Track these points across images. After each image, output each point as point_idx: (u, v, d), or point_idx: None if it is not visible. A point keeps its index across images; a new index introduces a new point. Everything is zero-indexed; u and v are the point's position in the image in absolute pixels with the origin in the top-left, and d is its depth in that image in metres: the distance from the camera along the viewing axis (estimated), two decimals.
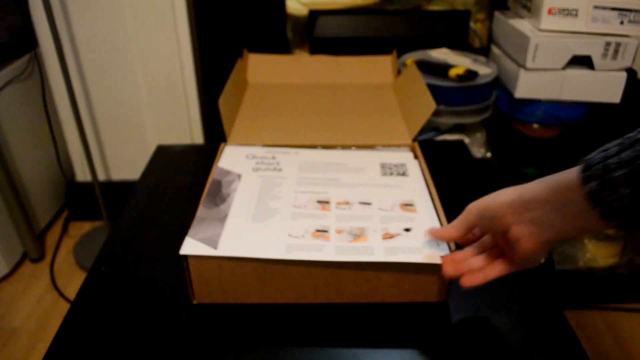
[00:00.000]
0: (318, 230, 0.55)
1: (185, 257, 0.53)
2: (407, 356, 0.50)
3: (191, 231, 0.55)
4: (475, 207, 0.46)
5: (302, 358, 0.50)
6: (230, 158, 0.70)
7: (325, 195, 0.62)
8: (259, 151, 0.71)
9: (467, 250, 0.50)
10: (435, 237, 0.52)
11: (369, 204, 0.60)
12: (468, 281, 0.48)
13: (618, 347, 1.24)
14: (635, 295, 1.35)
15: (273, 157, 0.70)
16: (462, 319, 0.54)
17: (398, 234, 0.55)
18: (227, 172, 0.67)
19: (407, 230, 0.56)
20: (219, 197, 0.61)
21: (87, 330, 0.53)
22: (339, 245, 0.53)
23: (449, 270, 0.49)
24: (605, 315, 1.33)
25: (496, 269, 0.47)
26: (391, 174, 0.67)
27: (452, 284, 0.55)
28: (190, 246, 0.53)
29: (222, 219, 0.57)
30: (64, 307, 1.35)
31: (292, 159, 0.70)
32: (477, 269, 0.48)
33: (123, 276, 0.60)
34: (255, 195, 0.62)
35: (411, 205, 0.60)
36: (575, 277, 1.31)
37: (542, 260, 0.43)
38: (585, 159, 0.37)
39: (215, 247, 0.52)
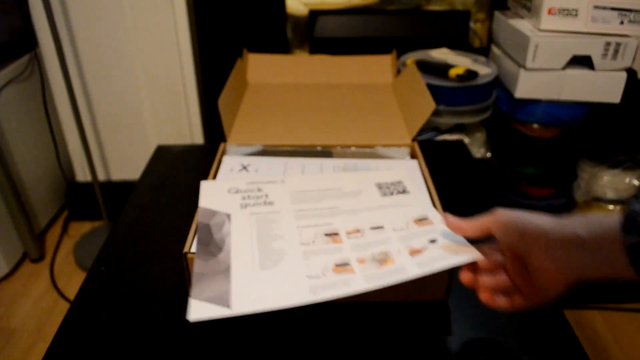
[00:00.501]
0: (338, 265, 0.49)
1: (185, 257, 0.53)
2: (407, 356, 0.50)
3: (193, 292, 0.47)
4: (503, 217, 0.42)
5: (302, 358, 0.50)
6: (211, 195, 0.60)
7: (331, 227, 0.55)
8: (241, 184, 0.63)
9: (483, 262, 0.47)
10: (451, 227, 0.47)
11: (381, 227, 0.54)
12: (485, 299, 0.45)
13: (618, 347, 1.24)
14: (635, 295, 1.35)
15: (259, 190, 0.62)
16: (462, 318, 0.54)
17: (425, 248, 0.50)
18: (213, 213, 0.58)
19: (433, 241, 0.50)
20: (213, 245, 0.53)
21: (87, 330, 0.53)
22: (367, 274, 0.47)
23: (465, 278, 0.46)
24: (605, 315, 1.33)
25: (506, 302, 0.45)
26: (391, 193, 0.62)
27: (452, 283, 0.55)
28: (199, 310, 0.45)
29: (225, 271, 0.50)
30: (64, 307, 1.35)
31: (279, 190, 0.62)
32: (488, 286, 0.45)
33: (123, 276, 0.60)
34: (253, 238, 0.54)
35: (425, 219, 0.55)
36: None
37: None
38: (627, 209, 0.35)
39: (228, 306, 0.45)
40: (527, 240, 0.39)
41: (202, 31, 1.43)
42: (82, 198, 1.63)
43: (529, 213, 0.40)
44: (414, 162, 0.72)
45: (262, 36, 1.41)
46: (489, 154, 1.25)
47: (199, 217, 0.57)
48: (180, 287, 0.57)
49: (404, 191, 0.61)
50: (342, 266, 0.49)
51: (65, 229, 1.64)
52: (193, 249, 0.54)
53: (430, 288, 0.55)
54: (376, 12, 1.37)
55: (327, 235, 0.54)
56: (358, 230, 0.54)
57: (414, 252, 0.49)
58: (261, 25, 1.40)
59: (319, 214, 0.57)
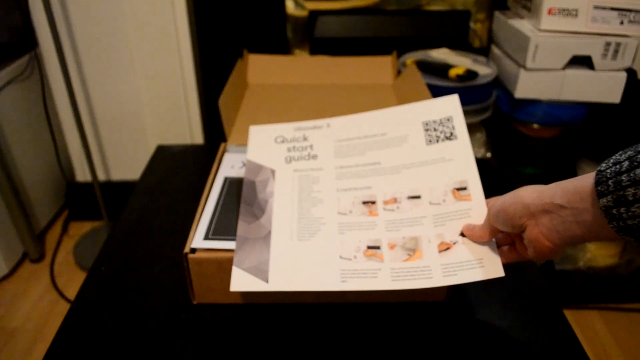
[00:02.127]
0: (370, 248, 0.51)
1: (186, 256, 0.53)
2: (407, 356, 0.50)
3: (236, 258, 0.51)
4: (495, 210, 0.46)
5: (302, 358, 0.50)
6: (258, 144, 0.62)
7: (369, 192, 0.56)
8: (288, 132, 0.64)
9: None
10: (470, 237, 0.50)
11: (418, 197, 0.55)
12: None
13: (618, 347, 1.24)
14: (635, 295, 1.35)
15: (304, 139, 0.63)
16: (462, 319, 0.54)
17: (454, 242, 0.50)
18: (259, 168, 0.60)
19: (463, 235, 0.51)
20: (257, 206, 0.56)
21: (87, 330, 0.53)
22: (394, 267, 0.49)
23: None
24: (605, 315, 1.33)
25: (505, 256, 0.49)
26: (437, 139, 0.59)
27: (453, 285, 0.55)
28: (241, 281, 0.49)
29: (266, 237, 0.53)
30: (64, 307, 1.35)
31: (324, 138, 0.62)
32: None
33: (123, 276, 0.60)
34: (294, 201, 0.57)
35: (464, 189, 0.54)
36: (575, 277, 1.31)
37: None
38: (599, 170, 0.37)
39: (266, 280, 0.49)
40: (518, 220, 0.43)
41: (202, 31, 1.43)
42: (82, 198, 1.63)
43: (513, 193, 0.45)
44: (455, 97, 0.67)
45: (262, 36, 1.41)
46: (489, 154, 1.25)
47: (245, 173, 0.60)
48: (180, 287, 0.57)
49: (451, 135, 0.59)
50: (373, 249, 0.51)
51: (65, 229, 1.64)
52: (194, 245, 0.54)
53: (431, 289, 0.55)
54: (376, 12, 1.37)
55: (364, 203, 0.55)
56: (395, 200, 0.55)
57: (443, 248, 0.50)
58: (261, 26, 1.40)
59: (360, 174, 0.58)
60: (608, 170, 0.36)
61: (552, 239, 0.41)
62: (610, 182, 0.35)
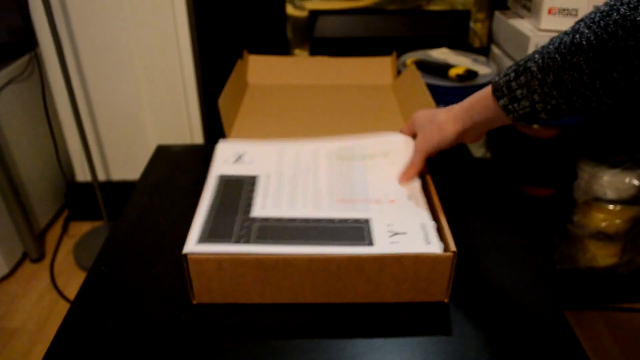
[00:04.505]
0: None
1: (185, 257, 0.53)
2: (407, 356, 0.50)
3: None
4: (414, 117, 0.67)
5: (302, 358, 0.50)
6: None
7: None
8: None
9: None
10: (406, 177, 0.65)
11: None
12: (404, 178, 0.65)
13: (618, 347, 1.24)
14: (635, 295, 1.35)
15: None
16: (462, 319, 0.54)
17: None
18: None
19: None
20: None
21: (87, 330, 0.53)
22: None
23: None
24: (605, 315, 1.33)
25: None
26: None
27: (453, 284, 0.55)
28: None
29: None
30: (64, 307, 1.35)
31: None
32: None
33: (123, 276, 0.60)
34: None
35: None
36: (575, 277, 1.31)
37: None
38: (493, 81, 0.54)
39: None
40: (427, 125, 0.63)
41: (202, 32, 1.43)
42: (82, 198, 1.63)
43: (427, 111, 0.65)
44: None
45: (262, 36, 1.41)
46: (489, 154, 1.25)
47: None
48: (180, 287, 0.57)
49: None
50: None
51: (65, 229, 1.64)
52: (193, 249, 0.54)
53: (430, 289, 0.55)
54: (376, 12, 1.37)
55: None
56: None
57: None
58: (261, 26, 1.40)
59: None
60: (500, 81, 0.53)
61: (459, 131, 0.60)
62: (504, 88, 0.52)
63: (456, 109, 0.59)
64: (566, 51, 0.45)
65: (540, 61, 0.48)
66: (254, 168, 0.67)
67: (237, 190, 0.63)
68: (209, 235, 0.55)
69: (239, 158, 0.70)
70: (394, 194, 0.62)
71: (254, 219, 0.57)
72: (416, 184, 0.64)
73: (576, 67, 0.44)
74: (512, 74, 0.51)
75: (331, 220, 0.57)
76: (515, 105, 0.51)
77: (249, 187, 0.63)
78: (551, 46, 0.47)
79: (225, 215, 0.58)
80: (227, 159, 0.70)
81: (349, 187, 0.64)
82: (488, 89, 0.55)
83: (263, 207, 0.60)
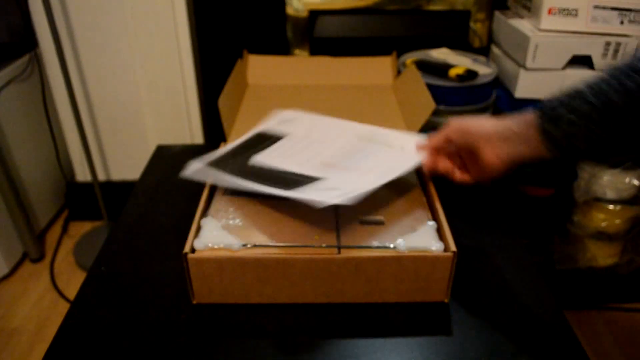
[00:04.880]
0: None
1: (185, 257, 0.53)
2: (407, 356, 0.50)
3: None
4: (457, 125, 0.58)
5: (302, 358, 0.50)
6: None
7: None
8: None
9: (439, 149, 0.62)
10: (421, 147, 0.63)
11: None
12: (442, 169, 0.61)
13: (618, 347, 1.24)
14: (635, 295, 1.35)
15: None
16: (462, 318, 0.54)
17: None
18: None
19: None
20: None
21: (87, 330, 0.53)
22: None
23: (428, 162, 0.61)
24: (605, 315, 1.33)
25: (460, 176, 0.60)
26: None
27: (453, 284, 0.55)
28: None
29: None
30: (64, 307, 1.35)
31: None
32: (444, 169, 0.61)
33: (123, 276, 0.60)
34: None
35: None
36: (575, 277, 1.31)
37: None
38: (539, 106, 0.50)
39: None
40: (474, 137, 0.55)
41: (202, 32, 1.43)
42: (82, 198, 1.63)
43: (475, 119, 0.57)
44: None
45: (262, 36, 1.41)
46: None
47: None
48: (180, 287, 0.57)
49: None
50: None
51: (65, 229, 1.64)
52: (195, 246, 0.54)
53: (430, 289, 0.55)
54: (376, 12, 1.37)
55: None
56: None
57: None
58: (261, 26, 1.40)
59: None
60: (548, 103, 0.50)
61: (503, 159, 0.54)
62: (549, 110, 0.49)
63: (502, 123, 0.55)
64: (622, 75, 0.44)
65: (596, 87, 0.46)
66: (288, 129, 0.73)
67: (262, 142, 0.69)
68: (207, 162, 0.64)
69: (284, 121, 0.75)
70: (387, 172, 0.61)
71: (252, 162, 0.64)
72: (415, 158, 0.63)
73: (631, 93, 0.43)
74: (563, 98, 0.49)
75: (295, 174, 0.60)
76: (556, 129, 0.48)
77: (272, 141, 0.69)
78: (608, 71, 0.47)
79: (235, 155, 0.66)
80: (275, 120, 0.76)
81: (346, 158, 0.64)
82: (534, 111, 0.52)
83: (267, 156, 0.65)
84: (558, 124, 0.48)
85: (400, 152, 0.65)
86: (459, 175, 0.60)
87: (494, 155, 0.54)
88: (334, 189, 0.55)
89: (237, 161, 0.65)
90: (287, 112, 0.78)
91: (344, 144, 0.68)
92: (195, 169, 0.63)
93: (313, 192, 0.55)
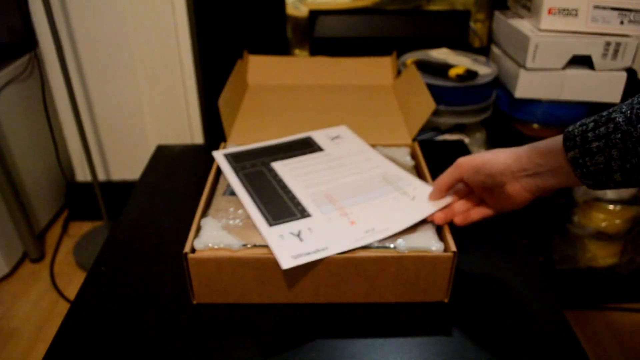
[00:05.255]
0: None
1: (185, 256, 0.53)
2: (407, 356, 0.50)
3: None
4: (468, 164, 0.54)
5: (302, 358, 0.50)
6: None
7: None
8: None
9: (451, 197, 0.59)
10: (433, 194, 0.59)
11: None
12: (460, 221, 0.57)
13: (618, 347, 1.24)
14: (635, 295, 1.35)
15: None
16: (462, 319, 0.54)
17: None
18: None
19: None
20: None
21: (87, 330, 0.53)
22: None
23: (440, 217, 0.57)
24: (605, 315, 1.33)
25: (480, 213, 0.56)
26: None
27: (453, 284, 0.55)
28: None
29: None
30: (64, 307, 1.35)
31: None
32: (461, 212, 0.57)
33: (123, 276, 0.60)
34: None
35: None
36: (575, 277, 1.31)
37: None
38: (566, 130, 0.46)
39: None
40: (499, 177, 0.51)
41: (202, 32, 1.43)
42: (82, 198, 1.63)
43: (489, 154, 0.53)
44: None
45: (262, 36, 1.41)
46: None
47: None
48: (180, 287, 0.57)
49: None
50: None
51: (65, 229, 1.64)
52: (195, 246, 0.54)
53: (430, 289, 0.55)
54: (376, 12, 1.37)
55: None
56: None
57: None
58: (261, 26, 1.40)
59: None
60: (575, 130, 0.45)
61: (533, 192, 0.50)
62: (577, 138, 0.44)
63: (524, 154, 0.50)
64: None
65: (629, 112, 0.41)
66: (328, 145, 0.76)
67: (295, 149, 0.74)
68: (231, 153, 0.72)
69: (333, 137, 0.79)
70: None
71: (268, 166, 0.69)
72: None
73: None
74: (591, 124, 0.44)
75: (290, 201, 0.62)
76: (587, 159, 0.43)
77: (303, 152, 0.74)
78: None
79: (262, 153, 0.73)
80: (325, 132, 0.80)
81: (350, 196, 0.63)
82: (558, 139, 0.47)
83: (285, 166, 0.70)
84: (589, 154, 0.43)
85: (409, 202, 0.61)
86: (476, 214, 0.56)
87: (522, 190, 0.51)
88: (304, 242, 0.55)
89: (257, 161, 0.71)
90: (341, 128, 0.82)
91: (363, 180, 0.66)
92: (221, 154, 0.71)
93: (283, 242, 0.54)
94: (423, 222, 0.58)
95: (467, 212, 0.57)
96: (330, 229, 0.56)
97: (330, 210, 0.59)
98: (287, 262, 0.51)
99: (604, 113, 0.43)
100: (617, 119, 0.41)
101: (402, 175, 0.67)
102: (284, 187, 0.65)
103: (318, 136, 0.79)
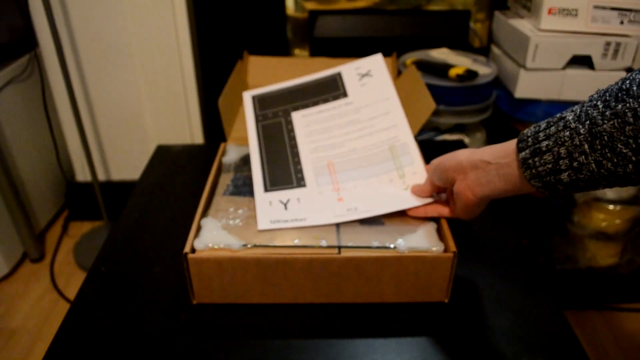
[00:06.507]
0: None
1: (185, 257, 0.53)
2: (407, 356, 0.50)
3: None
4: (433, 162, 0.55)
5: (302, 358, 0.50)
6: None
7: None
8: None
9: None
10: (415, 192, 0.59)
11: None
12: (414, 213, 0.58)
13: (618, 347, 1.24)
14: (635, 295, 1.35)
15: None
16: (462, 319, 0.54)
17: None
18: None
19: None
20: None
21: (87, 330, 0.53)
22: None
23: (417, 212, 0.58)
24: (605, 315, 1.33)
25: (437, 210, 0.57)
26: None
27: (453, 284, 0.55)
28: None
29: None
30: (64, 307, 1.35)
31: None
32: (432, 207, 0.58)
33: (123, 276, 0.60)
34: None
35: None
36: (575, 277, 1.31)
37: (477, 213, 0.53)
38: (521, 132, 0.45)
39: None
40: (451, 173, 0.51)
41: (202, 32, 1.43)
42: (82, 198, 1.63)
43: (452, 152, 0.52)
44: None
45: (262, 37, 1.41)
46: None
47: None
48: (180, 287, 0.57)
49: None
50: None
51: (65, 229, 1.64)
52: (195, 246, 0.54)
53: (430, 289, 0.55)
54: (376, 12, 1.37)
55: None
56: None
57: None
58: (261, 26, 1.40)
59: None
60: (528, 131, 0.45)
61: (475, 192, 0.49)
62: (529, 139, 0.44)
63: (478, 151, 0.49)
64: (611, 97, 0.39)
65: (579, 110, 0.41)
66: (354, 89, 0.73)
67: (320, 93, 0.74)
68: (259, 94, 0.75)
69: (362, 74, 0.75)
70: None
71: (288, 117, 0.71)
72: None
73: (619, 115, 0.38)
74: (544, 124, 0.43)
75: (292, 166, 0.65)
76: (537, 159, 0.43)
77: (325, 99, 0.73)
78: (595, 94, 0.41)
79: (287, 96, 0.75)
80: (354, 66, 0.77)
81: (349, 168, 0.64)
82: (514, 140, 0.46)
83: (302, 120, 0.70)
84: (538, 154, 0.43)
85: (400, 189, 0.61)
86: (432, 210, 0.57)
87: (466, 188, 0.49)
88: (287, 211, 0.59)
89: (279, 110, 0.72)
90: (375, 59, 0.76)
91: (370, 146, 0.66)
92: (250, 95, 0.74)
93: (269, 208, 0.59)
94: (423, 222, 0.58)
95: (429, 206, 0.58)
96: (317, 202, 0.59)
97: (325, 183, 0.62)
98: (264, 224, 0.56)
99: (558, 114, 0.43)
100: (567, 117, 0.41)
101: (409, 146, 0.65)
102: (293, 147, 0.67)
103: (348, 73, 0.75)
